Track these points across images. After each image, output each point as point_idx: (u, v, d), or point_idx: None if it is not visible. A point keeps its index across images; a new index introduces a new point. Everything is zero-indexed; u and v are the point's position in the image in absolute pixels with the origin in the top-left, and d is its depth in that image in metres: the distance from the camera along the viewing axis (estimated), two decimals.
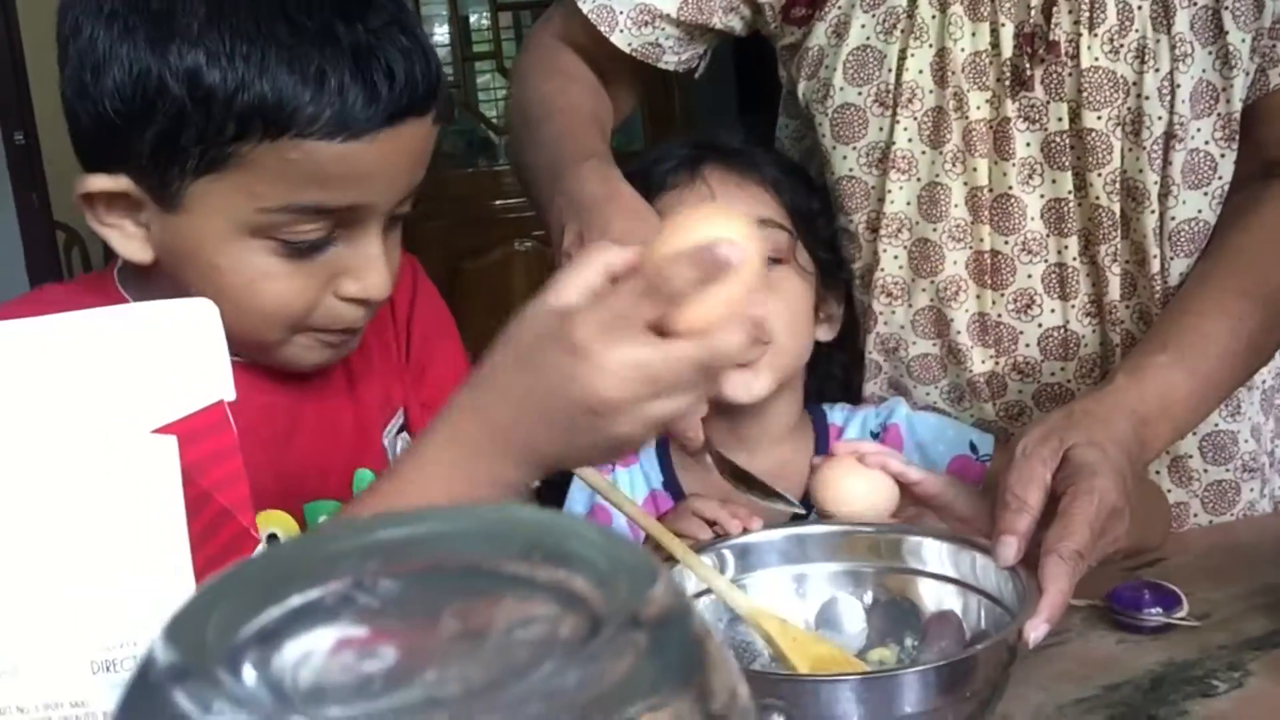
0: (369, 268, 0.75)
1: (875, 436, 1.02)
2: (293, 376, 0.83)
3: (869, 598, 0.81)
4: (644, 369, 0.56)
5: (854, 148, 1.01)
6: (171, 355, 0.53)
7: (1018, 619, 0.69)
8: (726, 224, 0.59)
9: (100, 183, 0.72)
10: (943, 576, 0.79)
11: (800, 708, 0.63)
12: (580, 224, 0.81)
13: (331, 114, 0.69)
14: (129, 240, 0.74)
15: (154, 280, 0.77)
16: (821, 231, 1.03)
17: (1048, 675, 0.78)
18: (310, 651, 0.29)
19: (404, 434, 0.91)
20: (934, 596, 0.79)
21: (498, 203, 3.48)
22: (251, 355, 0.79)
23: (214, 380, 0.53)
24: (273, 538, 0.81)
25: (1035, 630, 0.68)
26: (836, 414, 1.05)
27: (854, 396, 1.09)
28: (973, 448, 1.02)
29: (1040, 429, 0.79)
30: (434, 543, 0.33)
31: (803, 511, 0.87)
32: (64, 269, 3.33)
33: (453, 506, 0.34)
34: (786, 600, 0.80)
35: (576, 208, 0.83)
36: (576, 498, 1.02)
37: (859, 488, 0.83)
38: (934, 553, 0.79)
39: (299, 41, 0.68)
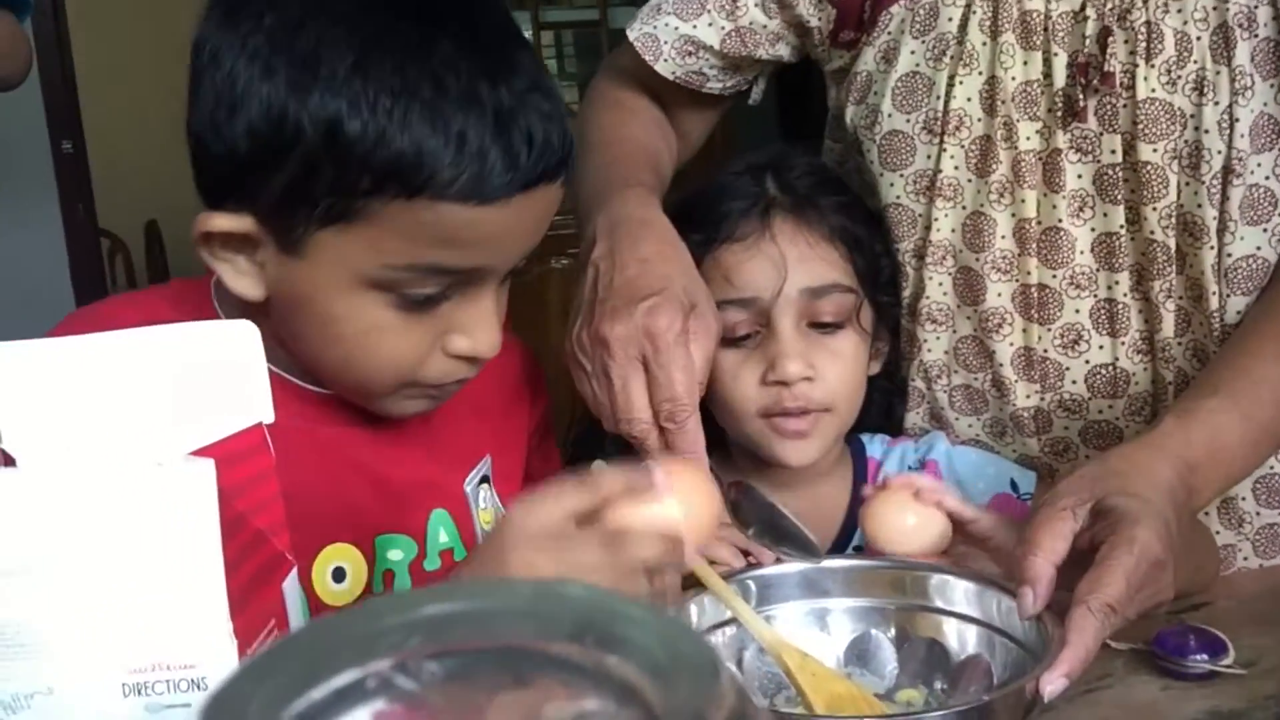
0: (480, 326, 0.74)
1: (913, 471, 1.00)
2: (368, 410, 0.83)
3: (893, 634, 0.80)
4: (551, 534, 0.64)
5: (901, 175, 1.00)
6: (212, 377, 0.53)
7: (1035, 669, 0.66)
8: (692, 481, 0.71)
9: (223, 222, 0.70)
10: (968, 617, 0.78)
11: None
12: (613, 240, 0.82)
13: (469, 177, 0.67)
14: (240, 276, 0.72)
15: (253, 312, 0.75)
16: (883, 275, 1.01)
17: None
18: None
19: (486, 484, 0.90)
20: (960, 637, 0.78)
21: None
22: (352, 399, 0.79)
23: (254, 403, 0.53)
24: (339, 572, 0.80)
25: (1051, 684, 0.65)
26: (875, 447, 1.04)
27: (894, 423, 1.08)
28: (1013, 485, 1.00)
29: (1073, 477, 0.76)
30: (480, 620, 0.31)
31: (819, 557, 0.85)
32: (108, 276, 3.37)
33: (500, 581, 0.32)
34: (815, 633, 0.79)
35: (614, 224, 0.84)
36: None
37: (911, 522, 0.81)
38: (959, 593, 0.78)
39: (442, 100, 0.66)
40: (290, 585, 0.54)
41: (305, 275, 0.71)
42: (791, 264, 0.93)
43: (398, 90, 0.66)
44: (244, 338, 0.53)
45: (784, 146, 1.04)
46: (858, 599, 0.80)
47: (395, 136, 0.66)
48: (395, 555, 0.82)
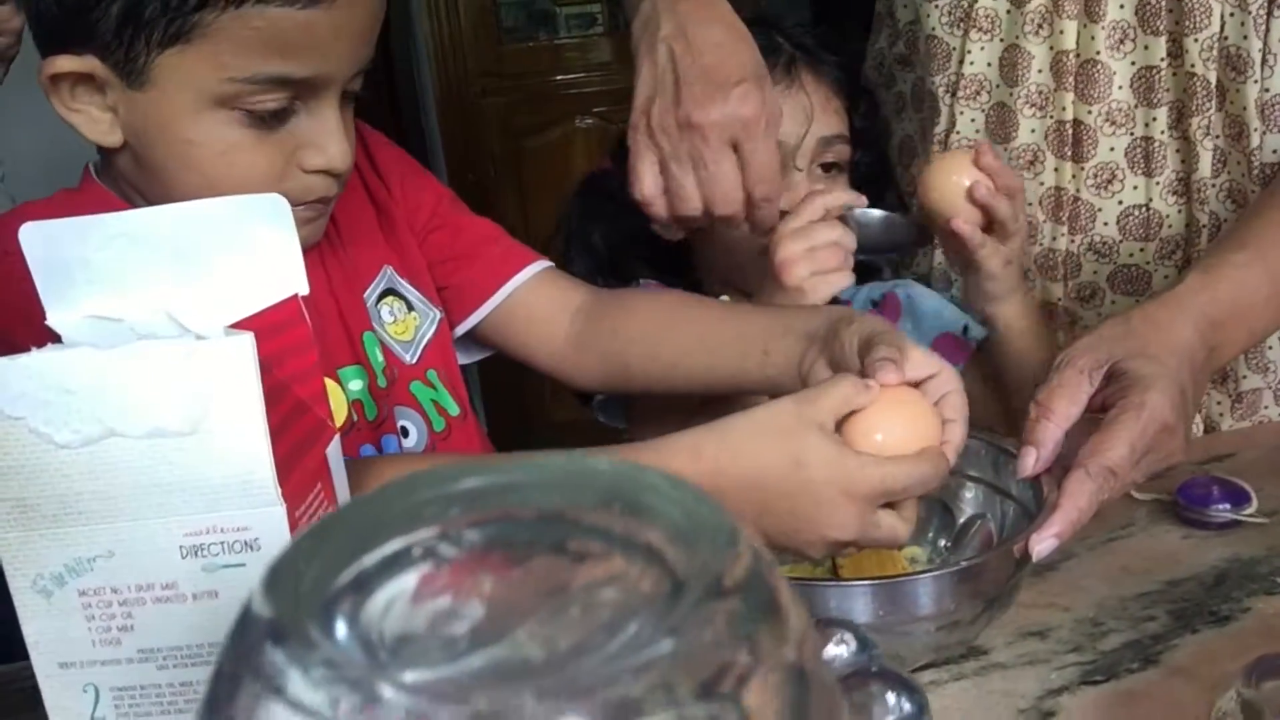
0: (329, 138, 0.77)
1: (875, 305, 1.03)
2: None
3: None
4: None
5: (936, 5, 0.99)
6: (244, 250, 0.53)
7: (1025, 531, 0.67)
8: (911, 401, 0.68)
9: (67, 63, 0.72)
10: (975, 479, 0.80)
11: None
12: (679, 19, 0.81)
13: None
14: (96, 124, 0.74)
15: (129, 171, 0.78)
16: (868, 135, 1.05)
17: (1111, 568, 0.79)
18: (396, 603, 0.30)
19: (389, 299, 0.92)
20: (966, 498, 0.80)
21: (558, 77, 3.41)
22: None
23: (288, 274, 0.54)
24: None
25: (1040, 544, 0.66)
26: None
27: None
28: (965, 330, 1.01)
29: (1092, 336, 0.75)
30: (514, 491, 0.33)
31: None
32: None
33: (532, 456, 0.34)
34: None
35: (674, 1, 0.82)
36: None
37: (966, 184, 0.86)
38: (968, 454, 0.78)
39: None
40: (333, 450, 0.56)
41: (156, 107, 0.73)
42: (816, 113, 0.97)
43: None
44: (275, 211, 0.54)
45: (763, 9, 1.06)
46: None
47: None
48: (355, 386, 0.86)
